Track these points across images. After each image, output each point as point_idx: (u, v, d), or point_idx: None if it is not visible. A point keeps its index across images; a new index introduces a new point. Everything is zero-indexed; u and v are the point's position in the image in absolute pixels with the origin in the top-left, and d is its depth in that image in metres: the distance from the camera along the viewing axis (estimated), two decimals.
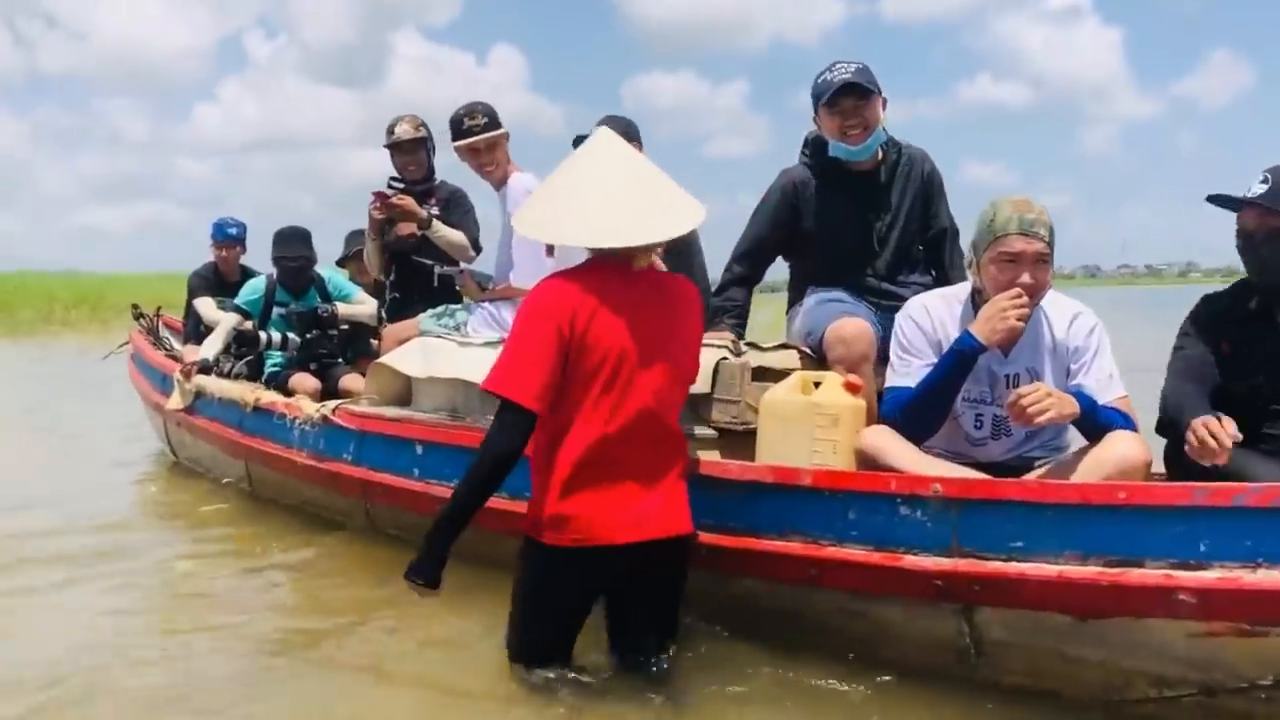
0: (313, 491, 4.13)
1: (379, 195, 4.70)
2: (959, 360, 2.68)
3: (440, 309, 4.21)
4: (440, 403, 3.88)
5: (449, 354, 3.81)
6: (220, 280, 6.00)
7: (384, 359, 4.04)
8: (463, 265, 4.53)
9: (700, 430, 3.06)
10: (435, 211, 4.70)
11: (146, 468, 5.99)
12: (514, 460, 2.36)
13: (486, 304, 4.09)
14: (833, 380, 2.83)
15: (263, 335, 5.12)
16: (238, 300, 5.28)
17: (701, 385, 2.97)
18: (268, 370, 5.29)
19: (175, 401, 5.12)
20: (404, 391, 4.08)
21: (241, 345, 5.13)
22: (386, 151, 4.82)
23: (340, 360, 5.32)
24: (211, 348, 5.14)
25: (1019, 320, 2.60)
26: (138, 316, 6.58)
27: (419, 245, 4.73)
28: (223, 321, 5.61)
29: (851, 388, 2.81)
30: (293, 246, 5.18)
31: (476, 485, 2.40)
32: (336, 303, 5.31)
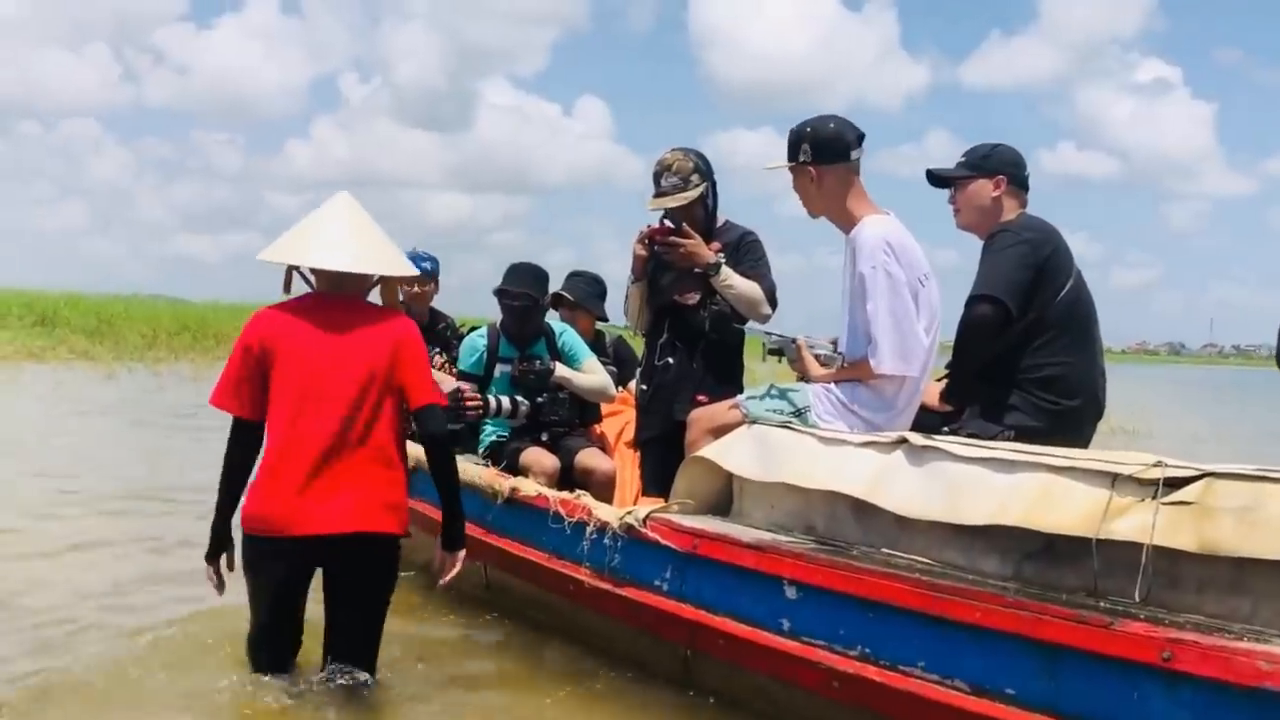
0: (595, 620, 3.15)
1: (653, 229, 3.76)
2: None
3: (766, 388, 3.22)
4: (782, 517, 2.90)
5: (807, 453, 2.82)
6: None
7: (704, 452, 3.06)
8: (800, 336, 3.36)
9: None
10: (721, 258, 3.74)
11: None
12: (243, 461, 2.84)
13: (833, 386, 3.10)
14: None
15: (490, 401, 4.20)
16: (460, 366, 4.38)
17: None
18: (486, 440, 4.36)
19: None
20: (721, 494, 3.10)
21: (459, 414, 4.20)
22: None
23: (573, 430, 4.38)
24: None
25: None
26: None
27: (702, 299, 3.77)
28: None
29: None
30: (519, 280, 4.25)
31: (221, 486, 2.88)
32: (557, 364, 4.36)
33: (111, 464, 7.69)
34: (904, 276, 3.01)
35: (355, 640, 2.89)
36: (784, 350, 3.32)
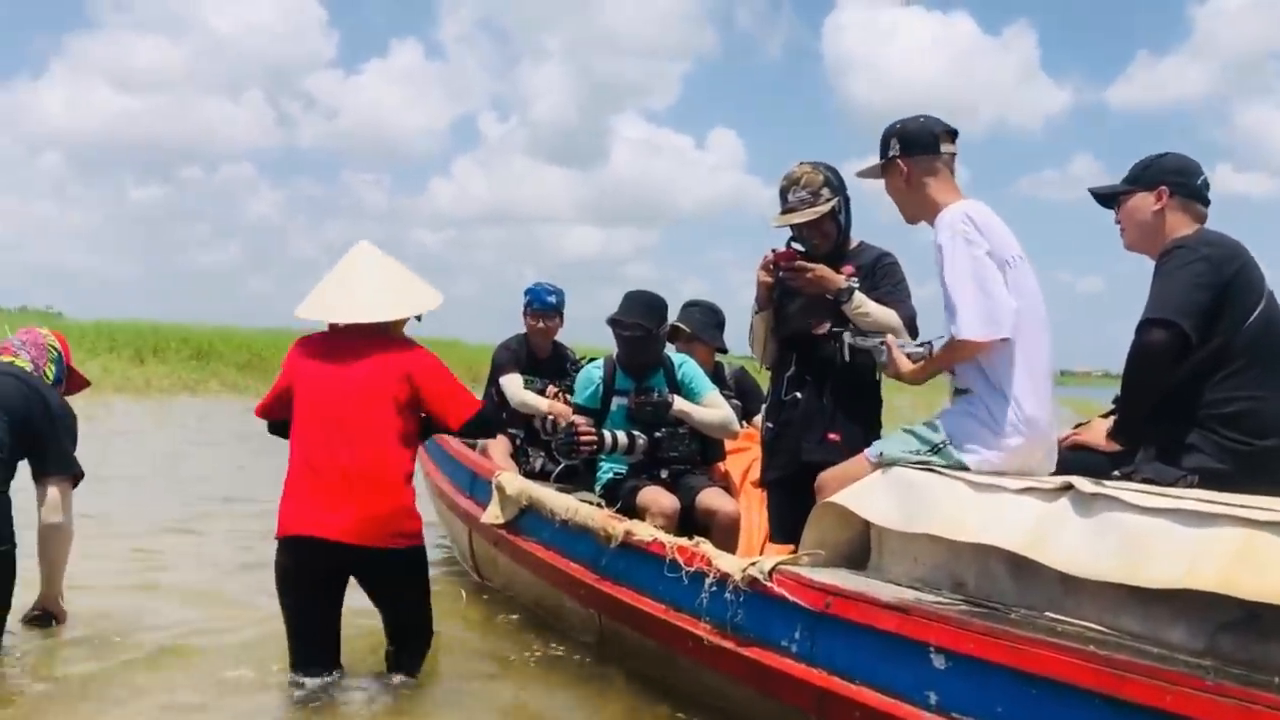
0: (715, 679, 2.87)
1: (779, 254, 3.48)
2: None
3: (895, 432, 2.90)
4: (927, 572, 2.57)
5: (956, 500, 2.50)
6: (532, 356, 4.96)
7: (838, 498, 2.76)
8: (889, 336, 3.15)
9: None
10: (854, 283, 3.44)
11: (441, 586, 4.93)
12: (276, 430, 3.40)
13: (962, 407, 2.76)
14: None
15: (606, 436, 3.98)
16: (575, 399, 4.20)
17: None
18: (603, 477, 4.15)
19: (494, 514, 4.02)
20: (856, 545, 2.80)
21: (573, 450, 3.99)
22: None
23: (695, 467, 4.13)
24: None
25: None
26: None
27: (832, 328, 3.47)
28: (534, 403, 4.59)
29: None
30: (632, 310, 4.04)
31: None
32: (675, 397, 4.12)
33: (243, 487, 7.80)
34: (986, 245, 2.75)
35: (397, 637, 3.28)
36: (873, 353, 3.10)
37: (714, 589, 2.77)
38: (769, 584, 2.60)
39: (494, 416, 3.39)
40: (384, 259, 3.39)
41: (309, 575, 3.11)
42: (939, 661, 2.20)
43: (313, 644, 3.17)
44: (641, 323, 4.04)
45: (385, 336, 3.25)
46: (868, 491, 2.69)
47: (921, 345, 3.03)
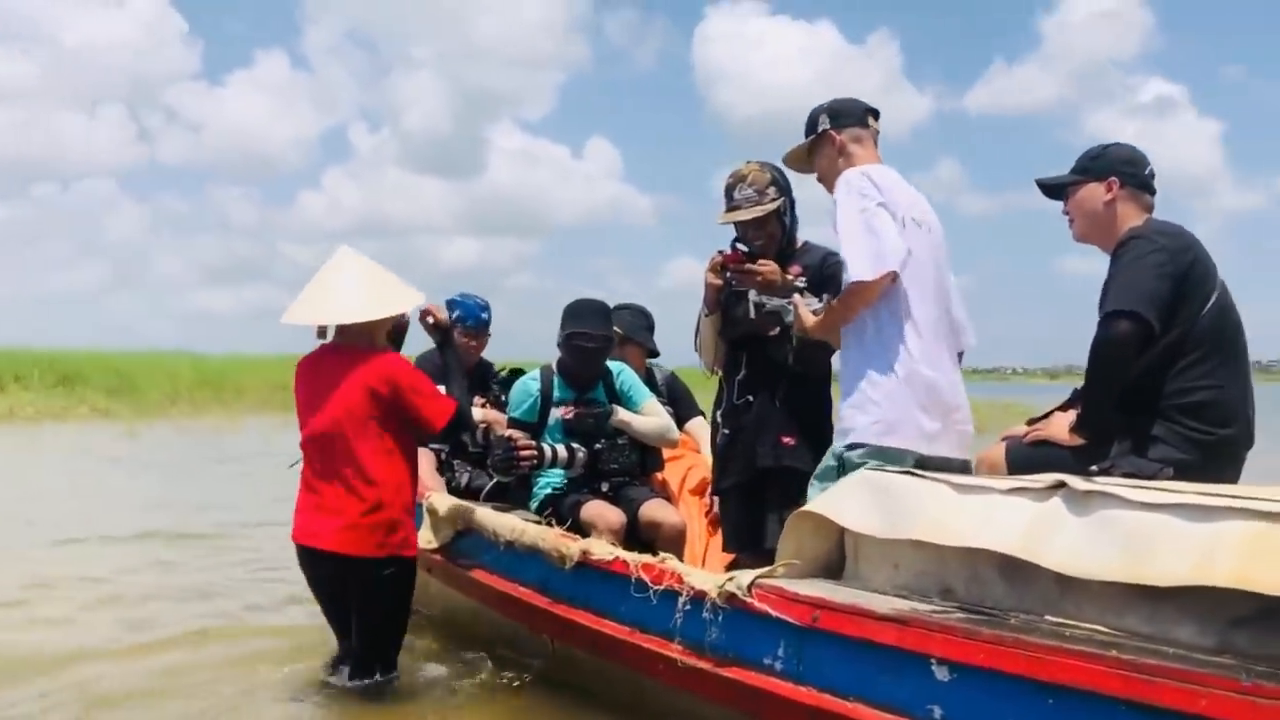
0: (690, 701, 2.72)
1: (726, 256, 3.37)
2: None
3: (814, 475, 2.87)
4: (910, 579, 2.49)
5: (940, 503, 2.41)
6: None
7: (814, 505, 2.65)
8: (797, 295, 3.25)
9: None
10: (802, 283, 3.35)
11: None
12: None
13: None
14: None
15: (546, 450, 3.81)
16: (511, 413, 4.00)
17: None
18: (540, 493, 3.97)
19: (425, 539, 3.79)
20: (830, 554, 2.69)
21: (512, 466, 3.79)
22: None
23: (635, 478, 3.99)
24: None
25: None
26: None
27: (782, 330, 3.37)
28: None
29: None
30: (594, 321, 3.88)
31: None
32: (616, 406, 3.98)
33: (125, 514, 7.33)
34: (880, 198, 2.86)
35: (359, 645, 3.34)
36: (780, 313, 3.26)
37: (688, 607, 2.63)
38: (749, 599, 2.48)
39: (469, 412, 3.42)
40: (364, 262, 3.43)
41: (314, 581, 3.38)
42: (942, 674, 2.11)
43: (340, 640, 3.44)
44: (608, 333, 3.91)
45: (363, 348, 3.33)
46: (845, 497, 2.59)
47: (824, 303, 3.11)
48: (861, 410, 2.88)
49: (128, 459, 12.16)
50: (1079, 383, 2.86)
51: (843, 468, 2.84)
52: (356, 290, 3.32)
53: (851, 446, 2.85)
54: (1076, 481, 2.22)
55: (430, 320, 3.53)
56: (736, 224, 3.40)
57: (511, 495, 4.16)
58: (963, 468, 2.91)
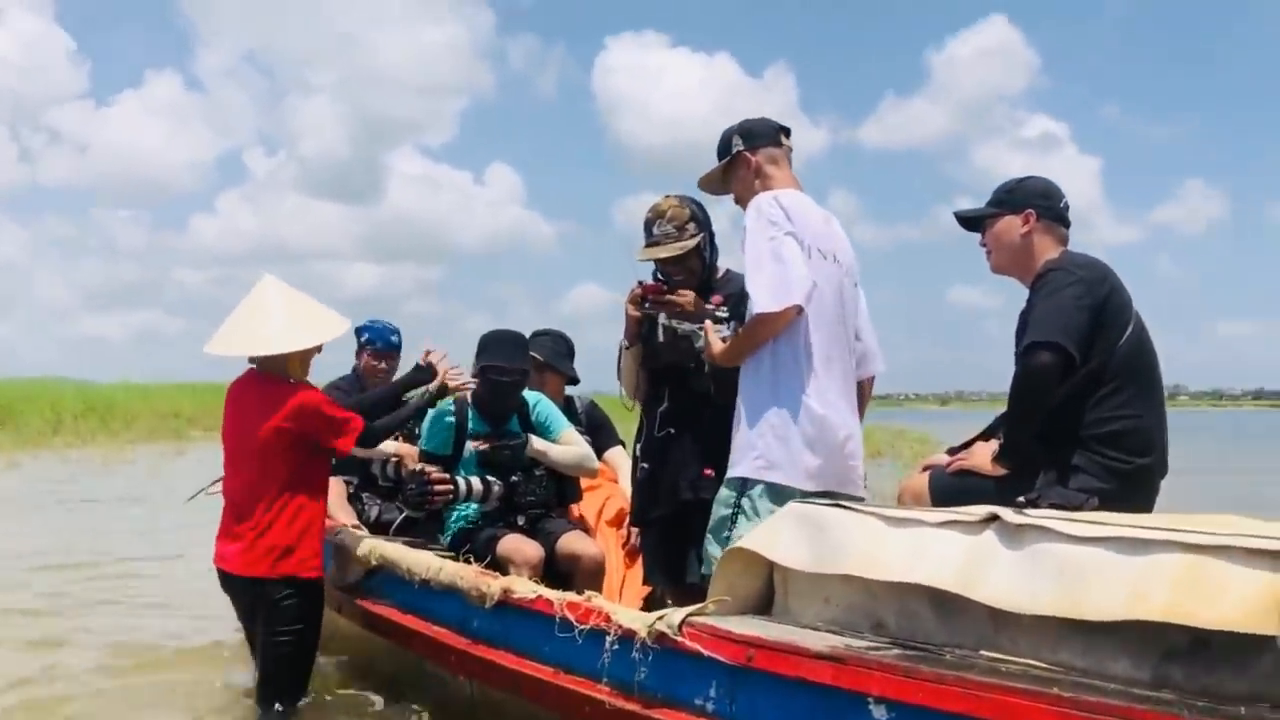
0: None
1: (646, 287, 3.32)
2: None
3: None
4: (840, 614, 2.44)
5: (871, 537, 2.37)
6: None
7: (746, 542, 2.59)
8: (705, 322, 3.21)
9: None
10: (723, 313, 3.31)
11: None
12: None
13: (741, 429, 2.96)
14: None
15: (460, 484, 3.69)
16: (423, 443, 3.87)
17: None
18: (453, 527, 3.84)
19: (334, 576, 3.63)
20: (759, 590, 2.64)
21: (425, 500, 3.67)
22: None
23: (552, 511, 3.89)
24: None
25: None
26: None
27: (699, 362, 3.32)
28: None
29: None
30: (509, 353, 3.78)
31: None
32: (532, 437, 3.89)
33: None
34: (790, 227, 2.86)
35: (260, 666, 3.40)
36: (691, 337, 3.22)
37: (616, 647, 2.54)
38: (680, 638, 2.40)
39: (377, 428, 3.48)
40: (289, 291, 3.48)
41: (232, 604, 3.49)
42: (880, 713, 2.06)
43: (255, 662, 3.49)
44: (524, 367, 3.82)
45: (274, 380, 3.40)
46: (777, 532, 2.54)
47: (732, 330, 3.12)
48: (749, 445, 2.92)
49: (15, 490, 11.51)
50: (968, 408, 2.91)
51: (739, 508, 2.90)
52: (277, 320, 3.36)
53: (741, 481, 2.92)
54: (1009, 515, 2.21)
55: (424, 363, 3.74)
56: (656, 260, 3.36)
57: (421, 529, 4.02)
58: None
